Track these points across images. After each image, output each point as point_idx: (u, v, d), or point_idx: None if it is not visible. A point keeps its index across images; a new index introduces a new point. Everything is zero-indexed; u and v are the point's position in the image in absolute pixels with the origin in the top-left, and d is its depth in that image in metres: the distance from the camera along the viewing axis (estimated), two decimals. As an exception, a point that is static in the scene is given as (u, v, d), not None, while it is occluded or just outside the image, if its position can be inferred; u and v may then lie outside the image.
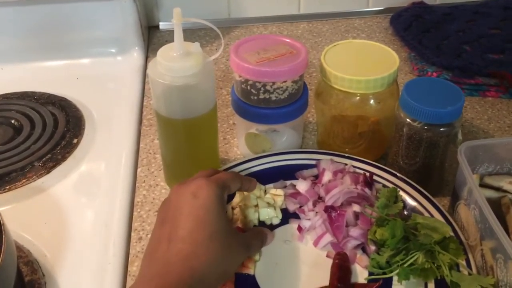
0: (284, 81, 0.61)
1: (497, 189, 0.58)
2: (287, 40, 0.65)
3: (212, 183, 0.50)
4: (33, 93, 0.85)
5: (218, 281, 0.48)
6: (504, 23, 0.96)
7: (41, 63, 0.91)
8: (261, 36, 0.66)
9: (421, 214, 0.58)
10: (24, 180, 0.69)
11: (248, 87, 0.62)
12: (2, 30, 0.88)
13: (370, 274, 0.55)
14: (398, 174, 0.63)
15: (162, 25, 1.03)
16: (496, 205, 0.55)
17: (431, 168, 0.63)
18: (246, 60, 0.61)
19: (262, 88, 0.62)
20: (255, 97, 0.63)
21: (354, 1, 1.06)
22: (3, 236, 0.50)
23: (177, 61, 0.55)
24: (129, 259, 0.59)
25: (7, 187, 0.67)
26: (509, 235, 0.51)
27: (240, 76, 0.63)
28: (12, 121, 0.79)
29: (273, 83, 0.61)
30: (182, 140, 0.61)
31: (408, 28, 0.96)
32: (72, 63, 0.91)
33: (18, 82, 0.87)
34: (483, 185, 0.58)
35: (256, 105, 0.64)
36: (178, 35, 0.55)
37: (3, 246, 0.48)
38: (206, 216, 0.48)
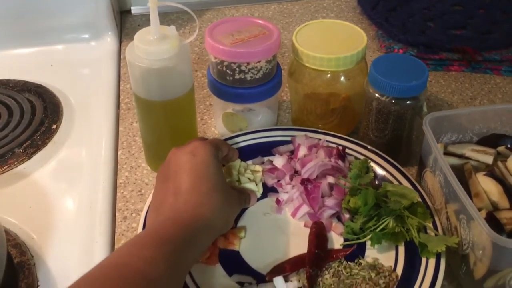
0: (258, 61, 0.64)
1: (460, 156, 0.62)
2: (260, 22, 0.67)
3: (207, 143, 0.55)
4: (8, 80, 0.85)
5: (221, 229, 0.53)
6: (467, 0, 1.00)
7: (14, 50, 0.91)
8: (234, 19, 0.68)
9: (391, 183, 0.62)
10: (6, 167, 0.70)
11: (224, 68, 0.65)
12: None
13: (345, 240, 0.59)
14: (369, 147, 0.67)
15: (134, 10, 1.03)
16: (459, 172, 0.59)
17: (399, 140, 0.67)
18: (221, 42, 0.64)
19: (237, 69, 0.64)
20: (231, 78, 0.65)
21: (323, -18, 1.08)
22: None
23: (154, 45, 0.57)
24: (116, 237, 0.61)
25: (-11, 174, 0.68)
26: (471, 198, 0.55)
27: (215, 58, 0.65)
28: (-12, 110, 0.79)
29: (248, 64, 0.64)
30: (162, 121, 0.63)
31: (375, 7, 0.99)
32: (46, 49, 0.92)
33: (-9, 70, 0.87)
34: (447, 153, 0.62)
35: (232, 85, 0.66)
36: (154, 19, 0.56)
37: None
38: (207, 170, 0.52)
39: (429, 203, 0.59)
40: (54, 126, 0.76)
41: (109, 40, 0.94)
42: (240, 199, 0.58)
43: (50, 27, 0.91)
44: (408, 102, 0.63)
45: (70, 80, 0.86)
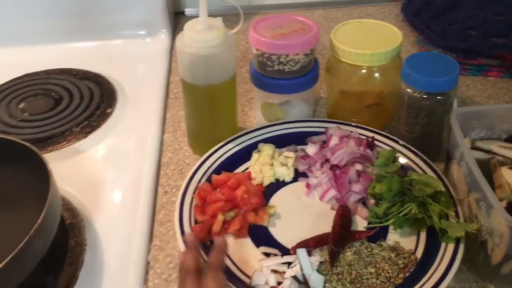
0: (297, 54, 0.68)
1: (487, 151, 0.64)
2: (300, 18, 0.72)
3: None
4: (71, 69, 0.94)
5: None
6: (510, 10, 1.00)
7: (79, 43, 1.00)
8: (277, 16, 0.73)
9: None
10: (64, 143, 0.77)
11: (264, 60, 0.70)
12: (45, 14, 0.97)
13: (369, 224, 0.62)
14: (399, 141, 0.70)
15: (188, 11, 1.11)
16: (485, 165, 0.61)
17: (429, 135, 0.70)
18: (263, 35, 0.69)
19: (276, 60, 0.69)
20: (270, 69, 0.70)
21: (368, -10, 1.12)
22: (50, 179, 0.58)
23: (201, 33, 0.63)
24: (156, 208, 0.67)
25: (49, 148, 0.76)
26: (494, 191, 0.57)
27: (257, 50, 0.70)
28: (53, 94, 0.88)
29: (287, 56, 0.68)
30: (204, 105, 0.69)
31: (417, 14, 1.02)
32: (106, 43, 1.00)
33: (57, 60, 0.96)
34: (474, 148, 0.64)
35: (271, 76, 0.71)
36: (203, 10, 0.62)
37: (50, 186, 0.57)
38: None
39: (453, 194, 0.61)
40: (109, 110, 0.84)
41: (163, 37, 1.01)
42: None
43: (111, 23, 1.00)
44: (438, 97, 0.65)
45: (125, 72, 0.94)
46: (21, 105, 0.85)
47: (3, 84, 0.90)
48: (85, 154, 0.76)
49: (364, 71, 0.71)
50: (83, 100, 0.85)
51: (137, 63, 0.97)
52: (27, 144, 0.62)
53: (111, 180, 0.72)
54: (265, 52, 0.69)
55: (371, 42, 0.71)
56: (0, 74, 0.92)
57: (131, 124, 0.82)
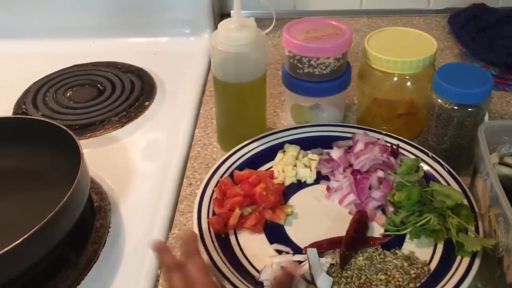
0: (327, 58, 0.69)
1: (516, 168, 0.62)
2: (335, 23, 0.73)
3: None
4: (117, 63, 0.99)
5: None
6: None
7: (125, 39, 1.04)
8: (312, 19, 0.74)
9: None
10: (102, 131, 0.81)
11: (295, 61, 0.71)
12: (95, 10, 1.03)
13: (386, 231, 0.61)
14: (429, 153, 0.68)
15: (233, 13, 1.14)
16: (512, 182, 0.59)
17: (458, 147, 0.68)
18: (295, 37, 0.70)
19: (307, 63, 0.70)
20: (301, 71, 0.71)
21: (415, 0, 1.10)
22: (81, 161, 0.61)
23: (233, 32, 0.65)
24: (179, 198, 0.69)
25: (88, 135, 0.80)
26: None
27: (289, 52, 0.71)
28: (98, 85, 0.92)
29: (317, 59, 0.69)
30: (234, 103, 0.70)
31: (464, 27, 0.99)
32: (151, 40, 1.05)
33: (105, 54, 1.01)
34: (502, 163, 0.62)
35: (301, 78, 0.72)
36: (237, 9, 0.64)
37: (80, 168, 0.60)
38: None
39: (476, 208, 0.60)
40: (147, 103, 0.87)
41: (206, 37, 1.04)
42: None
43: (158, 21, 1.04)
44: (469, 109, 0.64)
45: (167, 68, 0.98)
46: (68, 93, 0.90)
47: (54, 73, 0.96)
48: (120, 143, 0.80)
49: (395, 79, 0.70)
50: (123, 92, 0.89)
51: (179, 60, 1.00)
52: (64, 127, 0.66)
53: (141, 169, 0.75)
54: (296, 54, 0.70)
55: (404, 50, 0.70)
56: (52, 63, 0.98)
57: (166, 117, 0.85)
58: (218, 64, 0.68)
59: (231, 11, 1.14)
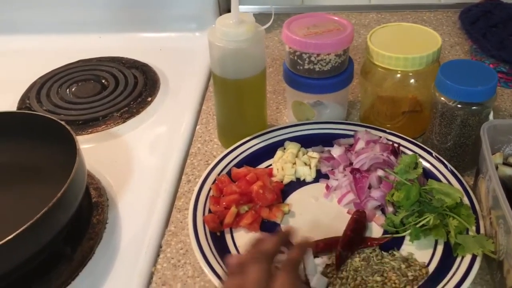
0: (328, 54, 0.67)
1: (521, 168, 0.60)
2: (336, 18, 0.71)
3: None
4: (122, 58, 0.98)
5: None
6: None
7: (131, 34, 1.04)
8: (313, 14, 0.73)
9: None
10: (104, 126, 0.81)
11: (296, 58, 0.69)
12: (102, 5, 1.03)
13: (385, 232, 0.60)
14: (433, 153, 0.66)
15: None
16: (516, 183, 0.57)
17: (462, 147, 0.66)
18: (296, 33, 0.68)
19: (307, 59, 0.68)
20: (301, 67, 0.70)
21: (426, -5, 1.08)
22: (77, 156, 0.61)
23: (231, 28, 0.64)
24: (177, 195, 0.68)
25: (90, 130, 0.80)
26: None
27: (289, 48, 0.70)
28: (102, 80, 0.92)
29: (318, 55, 0.68)
30: (233, 99, 0.70)
31: (475, 22, 0.97)
32: (157, 35, 1.04)
33: (111, 49, 1.01)
34: (506, 163, 0.60)
35: (301, 75, 0.70)
36: (235, 5, 0.63)
37: (76, 163, 0.60)
38: None
39: (477, 208, 0.58)
40: (149, 99, 0.87)
41: (212, 33, 1.03)
42: None
43: (164, 16, 1.04)
44: (473, 107, 0.62)
45: (172, 63, 0.97)
46: (72, 88, 0.90)
47: (58, 68, 0.96)
48: (121, 139, 0.80)
49: (398, 75, 0.69)
50: (126, 88, 0.89)
51: (184, 56, 1.00)
52: (62, 122, 0.66)
53: (140, 165, 0.75)
54: (296, 50, 0.68)
55: (408, 46, 0.68)
56: (58, 58, 0.98)
57: (168, 113, 0.85)
58: (216, 60, 0.67)
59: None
